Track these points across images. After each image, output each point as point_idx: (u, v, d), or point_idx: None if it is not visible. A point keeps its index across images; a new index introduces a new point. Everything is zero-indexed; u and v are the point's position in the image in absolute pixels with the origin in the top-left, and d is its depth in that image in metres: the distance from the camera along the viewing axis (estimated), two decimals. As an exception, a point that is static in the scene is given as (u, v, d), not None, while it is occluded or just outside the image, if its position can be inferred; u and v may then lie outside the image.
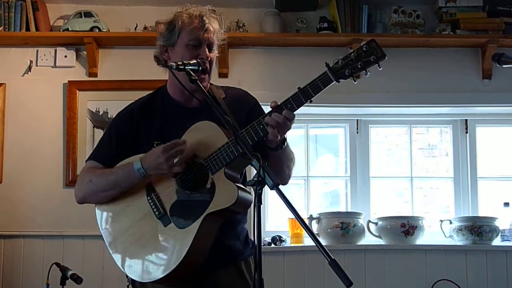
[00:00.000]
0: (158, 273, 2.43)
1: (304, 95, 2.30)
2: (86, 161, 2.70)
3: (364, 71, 2.27)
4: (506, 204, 4.82)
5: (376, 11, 4.92)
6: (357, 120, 5.05)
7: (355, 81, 2.30)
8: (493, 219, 4.70)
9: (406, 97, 4.86)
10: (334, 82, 2.28)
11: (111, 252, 2.58)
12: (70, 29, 4.72)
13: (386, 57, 2.25)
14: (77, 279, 3.82)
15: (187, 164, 2.44)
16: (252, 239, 2.50)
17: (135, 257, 2.51)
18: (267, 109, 2.38)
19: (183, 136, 2.50)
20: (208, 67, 2.58)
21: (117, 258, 2.55)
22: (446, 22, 4.82)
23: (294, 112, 2.34)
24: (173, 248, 2.42)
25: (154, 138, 2.59)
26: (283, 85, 4.68)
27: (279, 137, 2.36)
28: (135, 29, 4.80)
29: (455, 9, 4.81)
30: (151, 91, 2.79)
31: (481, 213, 4.88)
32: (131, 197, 2.56)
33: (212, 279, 2.55)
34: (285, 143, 2.47)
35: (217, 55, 2.66)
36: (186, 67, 2.40)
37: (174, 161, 2.40)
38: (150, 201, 2.51)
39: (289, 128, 2.37)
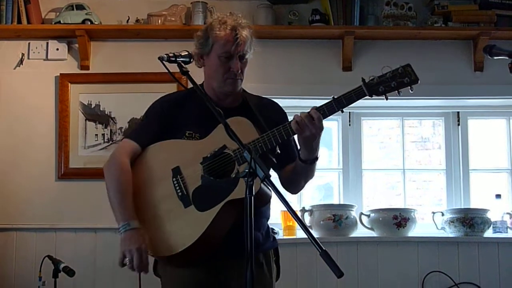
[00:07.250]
0: (173, 248, 2.53)
1: (338, 104, 2.48)
2: (123, 138, 2.87)
3: (396, 91, 2.45)
4: (498, 196, 4.83)
5: (368, 4, 4.91)
6: (349, 112, 5.04)
7: (386, 99, 2.48)
8: (485, 211, 4.71)
9: (398, 90, 4.86)
10: (367, 96, 2.46)
11: None
12: (62, 22, 4.70)
13: (419, 82, 2.44)
14: (69, 272, 3.83)
15: (215, 154, 2.58)
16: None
17: (154, 234, 2.60)
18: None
19: (215, 129, 2.62)
20: (240, 77, 2.71)
21: None
22: (438, 15, 4.82)
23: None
24: (191, 227, 2.53)
25: (188, 127, 2.70)
26: (276, 78, 4.65)
27: (303, 134, 2.49)
28: (127, 21, 4.78)
29: (447, 1, 4.82)
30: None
31: (473, 205, 4.88)
32: (157, 177, 2.67)
33: (231, 267, 2.64)
34: (315, 162, 2.62)
35: (250, 57, 2.76)
36: (178, 59, 2.42)
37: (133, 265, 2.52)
38: (175, 182, 2.62)
39: (314, 129, 2.48)
